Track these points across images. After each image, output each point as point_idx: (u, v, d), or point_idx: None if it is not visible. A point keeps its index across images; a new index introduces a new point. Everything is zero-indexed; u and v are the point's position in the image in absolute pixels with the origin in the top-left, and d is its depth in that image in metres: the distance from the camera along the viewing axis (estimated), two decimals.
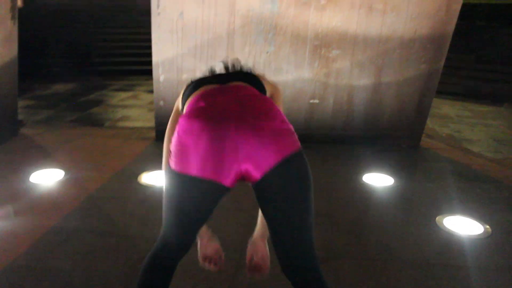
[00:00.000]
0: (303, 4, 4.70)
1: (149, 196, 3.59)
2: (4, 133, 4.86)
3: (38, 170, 3.98)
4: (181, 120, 1.50)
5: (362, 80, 5.05)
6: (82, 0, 13.97)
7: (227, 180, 1.46)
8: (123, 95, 8.20)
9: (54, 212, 3.19)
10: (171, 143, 1.53)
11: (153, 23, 4.73)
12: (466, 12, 4.90)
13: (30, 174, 3.89)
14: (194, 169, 1.45)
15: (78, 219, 3.13)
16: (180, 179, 1.49)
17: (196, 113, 1.49)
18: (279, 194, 1.47)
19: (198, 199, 1.51)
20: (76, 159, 4.36)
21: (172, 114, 1.89)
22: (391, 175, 4.23)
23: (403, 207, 3.67)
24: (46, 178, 3.84)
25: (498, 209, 3.62)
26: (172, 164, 1.50)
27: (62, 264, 2.55)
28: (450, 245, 3.00)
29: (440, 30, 4.89)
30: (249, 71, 1.86)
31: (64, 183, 3.76)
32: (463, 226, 3.25)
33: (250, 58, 4.85)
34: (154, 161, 4.33)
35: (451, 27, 4.92)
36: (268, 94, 1.80)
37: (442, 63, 5.07)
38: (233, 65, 1.92)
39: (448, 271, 2.67)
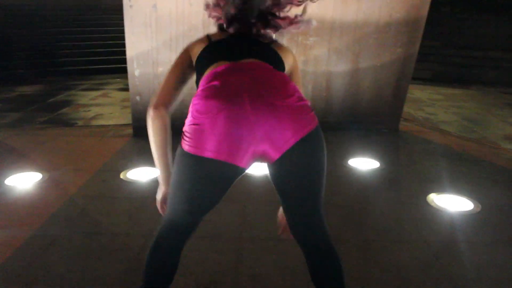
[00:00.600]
0: None
1: (134, 192, 3.49)
2: None
3: (13, 173, 3.80)
4: (196, 101, 1.43)
5: (340, 66, 5.05)
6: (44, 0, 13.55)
7: (243, 161, 1.41)
8: (92, 94, 7.97)
9: (35, 216, 3.04)
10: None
11: (126, 17, 4.58)
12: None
13: (5, 177, 3.71)
14: (209, 151, 1.38)
15: (62, 221, 2.99)
16: (194, 161, 1.41)
17: (211, 93, 1.41)
18: (296, 173, 1.45)
19: (213, 181, 1.46)
20: (52, 160, 4.18)
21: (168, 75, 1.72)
22: (375, 158, 4.24)
23: (393, 188, 3.69)
24: (23, 181, 3.67)
25: (484, 185, 3.69)
26: (186, 146, 1.43)
27: (53, 268, 2.42)
28: (443, 222, 3.03)
29: (414, 14, 4.93)
30: (267, 44, 1.71)
31: (43, 185, 3.59)
32: (453, 203, 3.29)
33: None
34: (134, 157, 4.23)
35: (424, 11, 4.97)
36: (287, 68, 1.70)
37: (418, 46, 5.12)
38: (251, 34, 1.71)
39: (445, 247, 2.68)
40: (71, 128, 5.60)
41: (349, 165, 4.12)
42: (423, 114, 6.70)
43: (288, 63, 1.70)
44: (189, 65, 1.67)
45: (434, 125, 6.02)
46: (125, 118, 5.97)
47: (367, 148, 4.50)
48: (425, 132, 5.45)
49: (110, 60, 10.84)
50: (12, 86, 8.69)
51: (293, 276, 2.34)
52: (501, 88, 8.00)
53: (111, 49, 11.29)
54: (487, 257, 2.59)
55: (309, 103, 1.47)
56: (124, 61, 9.18)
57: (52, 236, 2.77)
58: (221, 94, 1.39)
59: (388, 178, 3.89)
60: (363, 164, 4.14)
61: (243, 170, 1.44)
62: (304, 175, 1.45)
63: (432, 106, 7.30)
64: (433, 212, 3.17)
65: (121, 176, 3.80)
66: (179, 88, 1.68)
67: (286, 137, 1.38)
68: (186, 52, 1.70)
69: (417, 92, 8.35)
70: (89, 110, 6.59)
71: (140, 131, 4.95)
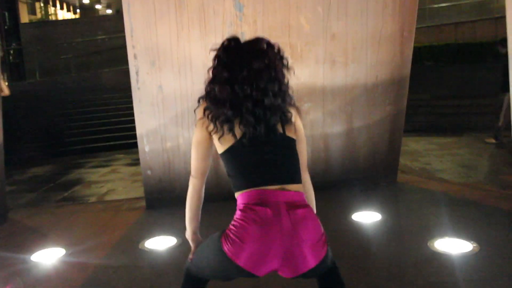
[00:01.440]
0: None
1: (153, 260, 3.73)
2: None
3: (37, 250, 4.03)
4: (241, 218, 1.79)
5: (335, 128, 5.41)
6: (47, 84, 14.24)
7: (260, 273, 1.79)
8: (102, 170, 8.32)
9: (63, 285, 3.28)
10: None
11: (134, 98, 4.98)
12: (414, 55, 5.48)
13: (31, 254, 3.95)
14: (242, 261, 1.74)
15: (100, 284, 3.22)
16: (227, 261, 1.77)
17: (254, 221, 1.75)
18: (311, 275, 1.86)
19: (230, 277, 1.90)
20: (72, 235, 4.42)
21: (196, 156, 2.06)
22: (377, 211, 4.50)
23: (395, 237, 3.94)
24: (48, 257, 3.91)
25: (481, 227, 3.93)
26: (225, 247, 1.76)
27: None
28: (444, 264, 3.27)
29: (398, 73, 5.36)
30: (285, 141, 1.90)
31: (67, 260, 3.83)
32: (453, 246, 3.53)
33: None
34: (150, 228, 4.46)
35: (407, 70, 5.41)
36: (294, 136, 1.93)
37: (405, 102, 5.52)
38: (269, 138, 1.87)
39: (446, 286, 2.90)
40: (86, 204, 5.90)
41: (352, 219, 4.37)
42: (419, 164, 7.02)
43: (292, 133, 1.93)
44: (210, 144, 1.97)
45: (430, 174, 6.32)
46: (137, 191, 6.27)
47: (368, 202, 4.75)
48: (422, 182, 5.74)
49: (114, 137, 11.28)
50: (24, 168, 9.06)
51: None
52: (490, 133, 8.38)
53: (113, 127, 11.76)
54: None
55: (324, 239, 1.83)
56: (127, 137, 9.68)
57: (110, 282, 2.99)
58: (265, 235, 1.73)
59: (390, 228, 4.14)
60: (366, 217, 4.39)
61: (257, 276, 1.82)
62: (318, 273, 1.86)
63: (427, 156, 7.63)
64: (434, 256, 3.41)
65: (140, 246, 4.04)
66: (205, 156, 2.01)
67: (307, 265, 1.78)
68: (206, 122, 1.94)
69: (412, 144, 8.71)
70: (101, 186, 6.91)
71: (153, 203, 5.22)
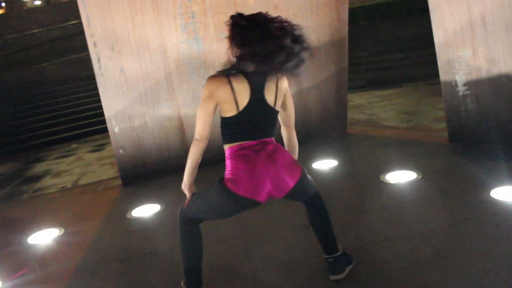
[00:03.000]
0: (223, 38, 5.45)
1: (143, 225, 4.15)
2: None
3: (31, 234, 4.32)
4: (233, 161, 2.34)
5: None
6: None
7: (261, 198, 2.35)
8: (67, 160, 8.52)
9: (68, 258, 3.66)
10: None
11: (99, 84, 5.27)
12: (350, 16, 6.06)
13: (27, 238, 4.25)
14: (242, 191, 2.30)
15: (95, 257, 3.62)
16: (229, 195, 2.31)
17: (244, 160, 2.32)
18: (297, 194, 2.51)
19: (233, 211, 2.44)
20: (61, 218, 4.72)
21: (203, 114, 2.35)
22: (333, 159, 5.09)
23: (352, 177, 4.59)
24: (44, 238, 4.23)
25: (423, 159, 4.62)
26: (229, 184, 2.31)
27: (105, 284, 3.08)
28: (394, 190, 3.92)
29: (338, 34, 5.92)
30: (272, 112, 2.42)
31: (65, 238, 4.18)
32: (400, 177, 4.17)
33: (189, 93, 5.55)
34: (132, 201, 4.84)
35: (345, 31, 5.97)
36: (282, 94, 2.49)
37: (346, 61, 6.09)
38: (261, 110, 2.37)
39: (399, 206, 3.53)
40: (62, 191, 6.17)
41: (313, 167, 4.94)
42: (365, 116, 7.70)
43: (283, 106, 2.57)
44: (215, 108, 2.35)
45: (376, 123, 7.00)
46: (108, 173, 6.59)
47: (324, 152, 5.33)
48: (369, 130, 6.41)
49: (69, 128, 11.37)
50: None
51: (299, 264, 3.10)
52: (425, 81, 9.18)
53: (67, 118, 11.80)
54: (439, 205, 3.46)
55: (296, 161, 2.46)
56: (79, 127, 9.90)
57: (96, 262, 3.40)
58: (253, 164, 2.31)
59: (346, 171, 4.76)
60: (324, 165, 4.97)
61: (260, 203, 2.37)
62: (302, 193, 2.52)
63: (372, 108, 8.33)
64: (386, 186, 4.06)
65: (127, 216, 4.44)
66: (210, 124, 2.37)
67: (287, 185, 2.37)
68: (212, 98, 2.29)
69: (357, 99, 9.41)
70: (71, 174, 7.16)
71: (128, 180, 5.59)
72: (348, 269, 2.68)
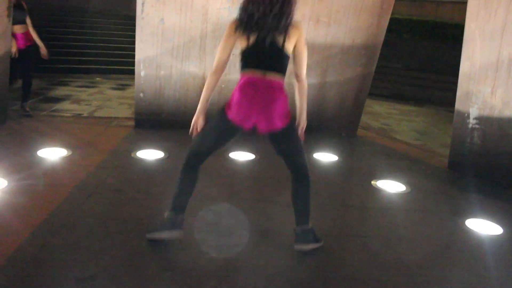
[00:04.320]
0: None
1: (145, 166, 4.43)
2: None
3: (42, 148, 4.65)
4: (236, 93, 2.77)
5: (310, 80, 6.00)
6: (29, 4, 14.20)
7: (245, 127, 2.79)
8: (89, 90, 8.83)
9: (70, 177, 3.96)
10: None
11: (137, 26, 5.51)
12: (394, 26, 6.20)
13: (37, 150, 4.57)
14: (231, 116, 2.77)
15: (94, 182, 3.92)
16: (224, 117, 2.81)
17: (244, 94, 2.74)
18: (285, 140, 2.87)
19: (224, 132, 2.88)
20: (71, 140, 5.02)
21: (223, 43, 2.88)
22: (334, 153, 5.31)
23: (346, 175, 4.81)
24: (52, 154, 4.55)
25: (416, 176, 4.82)
26: (226, 108, 2.81)
27: (96, 209, 3.37)
28: (382, 197, 4.15)
29: (372, 40, 6.07)
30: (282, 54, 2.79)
31: (71, 159, 4.49)
32: (390, 186, 4.39)
33: None
34: (140, 143, 5.12)
35: (380, 39, 6.12)
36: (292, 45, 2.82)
37: (374, 67, 6.25)
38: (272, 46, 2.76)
39: (383, 213, 3.76)
40: (78, 117, 6.48)
41: (314, 157, 5.17)
42: (379, 124, 7.88)
43: (292, 42, 2.81)
44: (232, 44, 2.84)
45: (386, 133, 7.18)
46: (124, 112, 6.88)
47: (328, 146, 5.54)
48: (377, 138, 6.59)
49: (100, 61, 11.65)
50: (12, 79, 9.40)
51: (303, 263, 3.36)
52: (448, 107, 9.28)
53: (98, 51, 12.08)
54: (415, 220, 3.69)
55: (288, 111, 2.83)
56: (108, 63, 10.16)
57: (88, 190, 3.69)
58: (249, 98, 2.73)
59: (343, 168, 5.00)
60: (325, 157, 5.20)
61: (242, 131, 2.83)
62: (287, 144, 2.88)
63: (388, 118, 8.50)
64: (375, 191, 4.29)
65: (132, 155, 4.73)
66: (225, 58, 2.89)
67: (275, 124, 2.75)
68: (230, 36, 2.81)
69: (376, 106, 9.55)
70: (89, 104, 7.48)
71: (141, 123, 5.87)
72: (313, 245, 2.96)
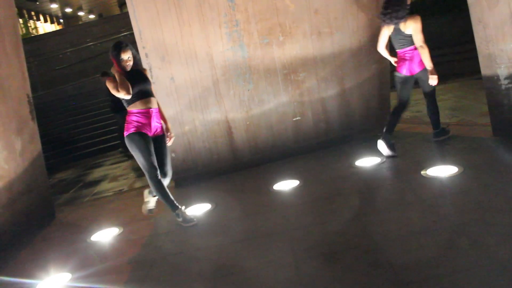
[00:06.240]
0: (266, 44, 5.75)
1: (196, 223, 4.44)
2: (44, 218, 5.59)
3: (93, 233, 4.73)
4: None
5: (330, 91, 6.08)
6: (50, 96, 14.89)
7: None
8: (122, 165, 9.02)
9: (127, 253, 4.00)
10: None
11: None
12: None
13: (89, 236, 4.66)
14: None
15: (152, 252, 3.94)
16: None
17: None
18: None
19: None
20: (120, 218, 5.11)
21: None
22: (377, 156, 5.20)
23: (394, 173, 4.73)
24: (105, 236, 4.61)
25: (465, 154, 4.69)
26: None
27: (160, 278, 3.37)
28: (435, 185, 4.03)
29: (378, 34, 6.00)
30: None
31: (123, 236, 4.55)
32: (442, 172, 4.26)
33: (236, 98, 5.82)
34: (185, 201, 5.11)
35: None
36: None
37: (388, 60, 6.17)
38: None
39: (437, 201, 3.64)
40: (120, 193, 6.59)
41: (356, 165, 5.09)
42: (410, 113, 7.70)
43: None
44: None
45: (421, 120, 7.01)
46: None
47: (368, 150, 5.44)
48: (413, 127, 6.45)
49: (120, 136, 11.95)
50: (49, 175, 9.73)
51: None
52: (472, 76, 9.06)
53: (118, 126, 12.39)
54: (465, 202, 3.55)
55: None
56: None
57: (152, 257, 3.71)
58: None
59: (389, 168, 4.87)
60: (367, 162, 5.10)
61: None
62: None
63: (417, 105, 8.29)
64: (427, 181, 4.17)
65: None
66: None
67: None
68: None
69: None
70: (127, 178, 7.61)
71: (180, 182, 5.93)
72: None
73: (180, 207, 4.37)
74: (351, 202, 4.07)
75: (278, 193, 4.81)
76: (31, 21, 30.58)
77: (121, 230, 4.70)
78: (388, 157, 5.05)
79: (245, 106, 5.88)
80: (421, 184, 4.12)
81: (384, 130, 5.14)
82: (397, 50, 5.15)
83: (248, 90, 5.85)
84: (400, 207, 3.75)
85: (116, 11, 27.32)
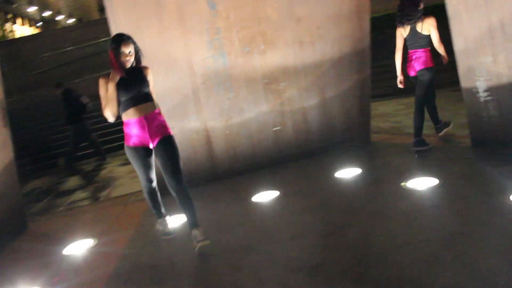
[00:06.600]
0: (247, 52, 5.68)
1: (174, 237, 4.31)
2: (15, 228, 5.38)
3: (66, 244, 4.55)
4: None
5: (311, 101, 6.04)
6: (25, 101, 14.55)
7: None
8: (100, 173, 8.82)
9: (102, 267, 3.85)
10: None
11: None
12: (374, 25, 6.19)
13: (63, 248, 4.49)
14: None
15: (128, 265, 3.81)
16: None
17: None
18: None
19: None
20: (95, 228, 4.95)
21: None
22: (356, 167, 5.16)
23: (374, 184, 4.66)
24: (78, 248, 4.45)
25: (444, 166, 4.69)
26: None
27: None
28: (415, 197, 4.00)
29: (360, 45, 6.02)
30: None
31: (97, 248, 4.39)
32: (421, 184, 4.24)
33: (216, 107, 5.73)
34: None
35: (367, 41, 6.07)
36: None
37: (369, 70, 6.18)
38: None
39: (416, 213, 3.60)
40: (95, 203, 6.42)
41: (335, 176, 5.04)
42: (390, 124, 7.74)
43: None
44: None
45: (400, 130, 7.03)
46: (138, 186, 6.77)
47: (347, 161, 5.41)
48: (393, 138, 6.46)
49: (100, 142, 11.74)
50: (23, 182, 9.46)
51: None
52: (449, 88, 9.15)
53: (98, 132, 12.19)
54: (446, 214, 3.51)
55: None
56: (110, 141, 10.28)
57: (128, 270, 3.57)
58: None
59: (369, 179, 4.84)
60: (347, 173, 5.06)
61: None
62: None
63: (397, 116, 8.36)
64: (407, 193, 4.15)
65: (157, 226, 4.60)
66: None
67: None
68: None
69: (382, 107, 9.43)
70: (103, 187, 7.43)
71: (162, 191, 5.77)
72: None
73: (165, 216, 4.26)
74: (332, 215, 4.01)
75: (257, 204, 4.72)
76: (8, 24, 30.07)
77: (96, 241, 4.54)
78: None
79: (225, 115, 5.79)
80: (401, 196, 4.09)
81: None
82: (409, 50, 5.34)
83: (229, 98, 5.77)
84: (382, 220, 3.70)
85: (96, 16, 27.01)
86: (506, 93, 4.59)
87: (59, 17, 29.50)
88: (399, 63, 5.52)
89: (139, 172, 3.90)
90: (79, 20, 25.35)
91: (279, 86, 5.87)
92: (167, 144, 3.79)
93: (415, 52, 5.22)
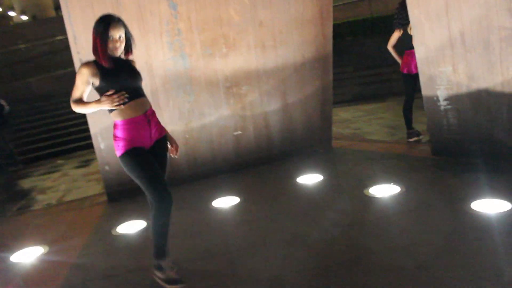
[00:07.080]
0: (208, 55, 5.57)
1: (128, 242, 4.14)
2: None
3: (14, 252, 4.30)
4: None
5: (273, 106, 5.98)
6: None
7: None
8: (53, 176, 8.47)
9: (52, 276, 3.64)
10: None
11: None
12: (335, 32, 6.21)
13: (10, 255, 4.22)
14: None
15: (81, 274, 3.61)
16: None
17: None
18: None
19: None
20: (46, 236, 4.69)
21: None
22: (318, 173, 5.13)
23: (336, 191, 4.62)
24: (27, 256, 4.19)
25: (406, 173, 4.72)
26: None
27: None
28: (377, 204, 3.99)
29: (322, 51, 6.01)
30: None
31: (48, 256, 4.15)
32: (383, 191, 4.23)
33: (175, 110, 5.58)
34: (117, 217, 4.82)
35: (329, 47, 6.07)
36: None
37: (331, 76, 6.18)
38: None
39: (379, 218, 3.57)
40: (48, 208, 6.13)
41: (297, 182, 4.99)
42: (350, 130, 7.79)
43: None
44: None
45: (361, 137, 7.08)
46: (94, 189, 6.56)
47: (309, 167, 5.38)
48: (354, 144, 6.48)
49: (54, 144, 11.34)
50: None
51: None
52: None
53: (50, 134, 11.78)
54: (409, 222, 3.51)
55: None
56: (65, 143, 9.98)
57: (81, 280, 3.39)
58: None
59: (331, 185, 4.81)
60: (309, 179, 5.02)
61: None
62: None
63: (357, 122, 8.43)
64: (369, 200, 4.11)
65: (113, 232, 4.43)
66: None
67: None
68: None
69: (342, 113, 9.51)
70: (57, 190, 7.12)
71: (114, 196, 5.57)
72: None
73: (168, 258, 3.09)
74: (294, 222, 3.95)
75: (217, 210, 4.61)
76: None
77: (47, 249, 4.30)
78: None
79: (184, 118, 5.65)
80: (364, 204, 4.08)
81: None
82: (406, 51, 6.23)
83: (189, 102, 5.63)
84: (344, 228, 3.66)
85: (52, 13, 26.10)
86: (465, 102, 4.67)
87: (11, 13, 28.30)
88: (394, 52, 6.65)
89: (149, 179, 3.02)
90: (33, 18, 24.42)
91: (241, 90, 5.78)
92: (163, 146, 3.25)
93: (412, 51, 5.58)
